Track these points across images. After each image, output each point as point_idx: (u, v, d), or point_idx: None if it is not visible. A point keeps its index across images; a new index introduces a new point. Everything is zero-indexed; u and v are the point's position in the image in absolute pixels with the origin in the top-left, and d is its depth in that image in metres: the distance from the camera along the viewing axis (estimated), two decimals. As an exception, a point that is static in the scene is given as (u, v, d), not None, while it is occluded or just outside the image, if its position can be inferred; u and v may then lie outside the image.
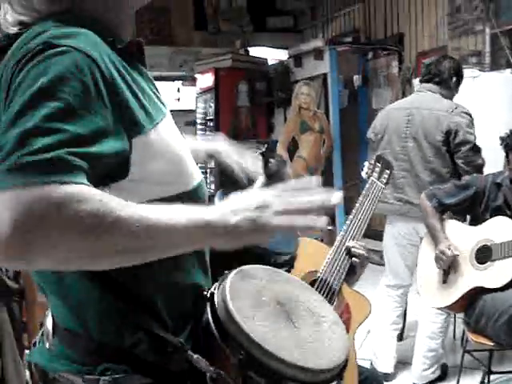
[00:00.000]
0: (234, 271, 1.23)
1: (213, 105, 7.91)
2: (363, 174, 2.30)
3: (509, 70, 4.93)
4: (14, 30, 1.14)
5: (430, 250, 3.06)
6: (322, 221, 1.07)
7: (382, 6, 6.87)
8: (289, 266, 1.55)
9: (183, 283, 1.18)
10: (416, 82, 4.99)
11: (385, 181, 2.26)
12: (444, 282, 2.96)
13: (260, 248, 1.35)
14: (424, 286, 3.08)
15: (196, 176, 1.20)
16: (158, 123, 1.11)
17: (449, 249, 2.87)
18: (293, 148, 6.08)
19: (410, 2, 6.42)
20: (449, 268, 2.93)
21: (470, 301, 2.84)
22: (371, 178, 2.24)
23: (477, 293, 2.81)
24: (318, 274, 1.93)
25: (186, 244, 1.04)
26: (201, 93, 8.28)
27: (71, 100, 0.97)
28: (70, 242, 0.92)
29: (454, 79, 3.58)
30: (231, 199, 1.08)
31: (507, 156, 2.89)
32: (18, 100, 0.97)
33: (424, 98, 3.54)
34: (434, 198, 3.04)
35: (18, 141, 0.93)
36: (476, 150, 3.33)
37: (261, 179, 1.22)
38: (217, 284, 1.21)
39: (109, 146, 1.00)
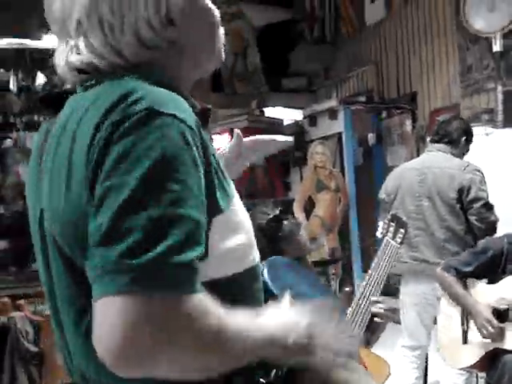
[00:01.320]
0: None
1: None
2: (378, 234, 2.31)
3: (521, 127, 4.98)
4: (75, 75, 1.05)
5: (450, 310, 3.04)
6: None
7: (395, 66, 6.99)
8: None
9: None
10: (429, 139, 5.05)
11: (399, 240, 2.25)
12: (465, 342, 2.93)
13: None
14: (445, 346, 3.05)
15: (256, 254, 1.14)
16: (233, 199, 1.06)
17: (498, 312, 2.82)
18: (309, 207, 6.12)
19: (421, 61, 6.53)
20: (468, 327, 2.90)
21: (492, 361, 2.80)
22: (386, 237, 2.25)
23: (498, 353, 2.78)
24: None
25: (255, 355, 1.00)
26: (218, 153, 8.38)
27: (188, 180, 0.90)
28: (189, 357, 0.88)
29: (464, 139, 3.63)
30: (284, 311, 1.07)
31: None
32: (127, 179, 0.87)
33: (435, 157, 3.59)
34: (452, 269, 3.01)
35: (143, 234, 0.84)
36: (489, 207, 3.35)
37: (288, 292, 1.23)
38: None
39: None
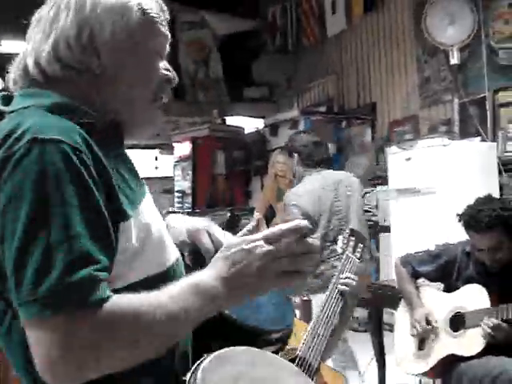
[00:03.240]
0: (209, 357, 1.16)
1: (190, 173, 7.97)
2: (338, 249, 2.30)
3: (478, 139, 5.07)
4: (21, 84, 1.16)
5: (406, 316, 3.07)
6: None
7: (355, 77, 7.08)
8: (281, 343, 1.52)
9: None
10: (388, 149, 5.12)
11: (358, 255, 2.26)
12: (420, 348, 2.96)
13: (249, 326, 1.33)
14: (401, 352, 3.08)
15: (173, 254, 1.21)
16: (138, 205, 1.12)
17: (426, 319, 2.89)
18: (270, 215, 6.12)
19: (381, 72, 6.63)
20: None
21: (447, 367, 2.84)
22: (346, 252, 2.25)
23: (453, 359, 2.81)
24: (297, 352, 1.90)
25: (199, 318, 1.05)
26: (178, 161, 8.35)
27: (73, 201, 0.97)
28: (117, 355, 0.96)
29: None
30: (224, 253, 1.08)
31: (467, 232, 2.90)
32: (17, 216, 0.95)
33: None
34: (409, 265, 3.07)
35: (40, 265, 0.93)
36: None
37: (250, 225, 1.20)
38: (190, 372, 1.15)
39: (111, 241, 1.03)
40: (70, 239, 0.94)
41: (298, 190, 3.83)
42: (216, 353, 1.19)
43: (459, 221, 2.91)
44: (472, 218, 2.81)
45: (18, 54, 1.19)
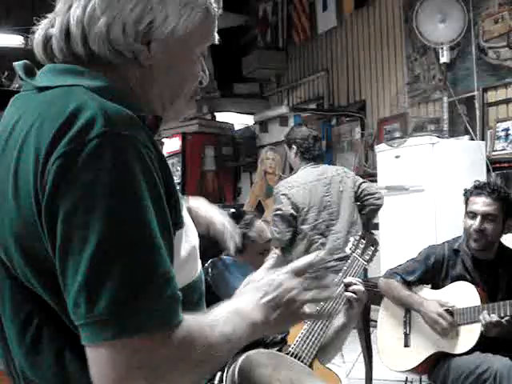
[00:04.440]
0: (241, 358, 1.23)
1: (179, 168, 7.96)
2: (347, 250, 2.31)
3: (467, 137, 5.09)
4: (40, 53, 1.03)
5: (389, 314, 3.08)
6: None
7: (345, 74, 7.08)
8: (282, 344, 1.56)
9: None
10: (377, 147, 5.13)
11: (368, 257, 2.27)
12: (406, 345, 2.97)
13: None
14: (385, 349, 3.08)
15: (199, 261, 1.16)
16: (183, 210, 1.04)
17: (445, 311, 2.83)
18: (259, 212, 6.13)
19: (371, 70, 6.63)
20: (410, 331, 2.95)
21: (434, 363, 2.85)
22: (354, 254, 2.26)
23: (440, 356, 2.82)
24: (290, 349, 1.91)
25: (244, 342, 1.04)
26: (168, 156, 8.33)
27: (154, 210, 0.88)
28: (184, 378, 0.91)
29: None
30: (255, 284, 1.10)
31: (466, 204, 2.97)
32: (91, 222, 0.83)
33: None
34: (397, 275, 3.06)
35: (120, 285, 0.84)
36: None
37: (275, 256, 1.26)
38: (225, 372, 1.22)
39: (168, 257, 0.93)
40: (153, 253, 0.87)
41: (290, 180, 3.90)
42: (244, 355, 1.25)
43: (465, 193, 2.98)
44: (480, 184, 2.95)
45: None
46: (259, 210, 6.19)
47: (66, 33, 1.01)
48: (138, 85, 1.05)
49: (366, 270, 5.92)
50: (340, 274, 2.16)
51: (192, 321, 0.92)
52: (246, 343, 1.04)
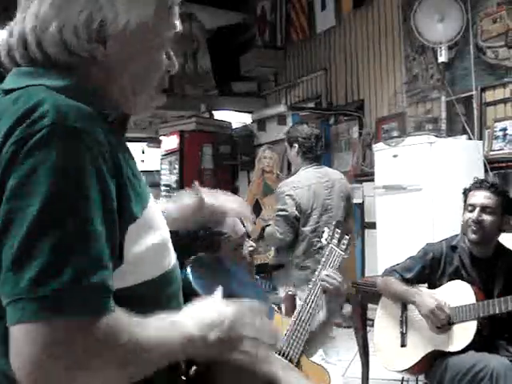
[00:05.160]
0: None
1: (177, 166, 7.95)
2: (323, 241, 2.30)
3: (464, 137, 5.10)
4: (19, 60, 1.05)
5: (385, 314, 3.08)
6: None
7: (343, 74, 7.08)
8: None
9: None
10: (375, 146, 5.13)
11: (344, 247, 2.26)
12: (402, 344, 2.97)
13: None
14: (382, 349, 3.08)
15: (173, 257, 1.17)
16: (146, 205, 1.07)
17: (443, 305, 2.82)
18: (256, 211, 6.13)
19: (369, 70, 6.63)
20: (407, 330, 2.95)
21: (430, 363, 2.85)
22: (330, 244, 2.25)
23: (436, 355, 2.82)
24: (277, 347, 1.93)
25: (176, 357, 1.04)
26: (165, 155, 8.33)
27: (91, 196, 0.90)
28: (106, 374, 0.90)
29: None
30: (203, 308, 1.10)
31: (465, 201, 2.99)
32: (30, 202, 0.87)
33: None
34: (395, 273, 3.06)
35: (49, 262, 0.85)
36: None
37: (219, 291, 1.25)
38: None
39: (113, 248, 0.96)
40: (88, 238, 0.89)
41: (294, 181, 3.85)
42: None
43: (464, 191, 3.01)
44: (480, 180, 3.01)
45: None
46: (257, 208, 6.18)
47: (23, 40, 1.05)
48: (101, 82, 1.07)
49: (363, 269, 5.93)
50: (319, 267, 2.16)
51: (123, 315, 0.93)
52: (183, 357, 1.06)
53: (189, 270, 1.53)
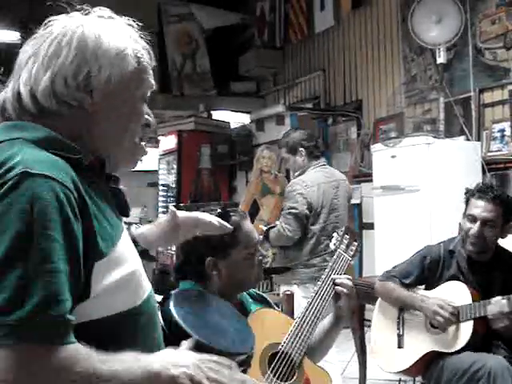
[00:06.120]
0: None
1: (175, 166, 7.95)
2: (331, 246, 2.30)
3: (462, 138, 5.11)
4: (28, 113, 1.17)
5: (382, 316, 3.08)
6: None
7: (342, 74, 7.09)
8: (246, 365, 1.56)
9: None
10: (373, 147, 5.13)
11: (352, 253, 2.26)
12: (400, 346, 2.97)
13: (214, 349, 1.37)
14: (379, 351, 3.08)
15: (147, 286, 1.25)
16: (116, 242, 1.15)
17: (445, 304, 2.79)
18: (254, 211, 6.13)
19: (368, 70, 6.64)
20: (404, 332, 2.95)
21: (428, 364, 2.85)
22: (338, 249, 2.25)
23: (433, 356, 2.82)
24: (280, 347, 1.92)
25: None
26: (163, 154, 8.33)
27: (55, 236, 1.00)
28: None
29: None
30: (171, 353, 1.18)
31: (466, 204, 2.95)
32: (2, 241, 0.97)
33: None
34: (395, 278, 3.04)
35: (12, 293, 0.95)
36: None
37: (189, 342, 1.31)
38: None
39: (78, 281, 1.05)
40: (49, 275, 0.98)
41: (305, 180, 3.87)
42: None
43: (466, 192, 2.96)
44: (483, 187, 2.92)
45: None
46: (254, 208, 6.19)
47: (18, 94, 1.18)
48: (86, 129, 1.21)
49: (361, 269, 5.93)
50: (326, 270, 2.16)
51: (82, 349, 1.00)
52: None
53: (172, 302, 1.56)
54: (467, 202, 2.94)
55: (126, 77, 1.22)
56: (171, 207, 1.78)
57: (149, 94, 1.32)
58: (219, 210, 1.94)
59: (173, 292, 1.67)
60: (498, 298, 2.68)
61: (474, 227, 2.84)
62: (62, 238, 1.01)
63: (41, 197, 1.00)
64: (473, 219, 2.86)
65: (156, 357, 1.13)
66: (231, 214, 1.95)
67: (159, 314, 1.37)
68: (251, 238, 1.98)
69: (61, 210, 1.02)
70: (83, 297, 1.07)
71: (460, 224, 2.98)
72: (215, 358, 1.21)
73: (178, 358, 1.15)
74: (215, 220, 1.76)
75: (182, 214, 1.75)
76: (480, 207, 2.85)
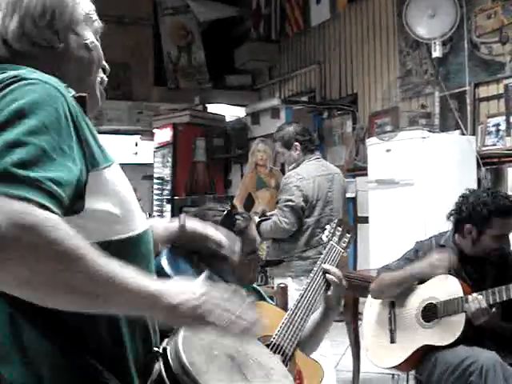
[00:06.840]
0: (182, 331, 1.23)
1: (170, 159, 7.94)
2: (324, 238, 2.30)
3: (457, 132, 5.12)
4: None
5: (376, 310, 3.08)
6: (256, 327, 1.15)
7: (337, 68, 7.09)
8: None
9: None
10: (368, 140, 5.14)
11: (344, 245, 2.27)
12: (392, 341, 2.97)
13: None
14: (372, 346, 3.09)
15: (143, 223, 1.22)
16: (111, 164, 1.15)
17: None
18: (249, 204, 6.12)
19: (363, 64, 6.64)
20: (395, 327, 2.95)
21: (420, 358, 2.85)
22: (331, 241, 2.26)
23: (426, 350, 2.83)
24: (272, 339, 1.92)
25: (129, 306, 1.04)
26: (158, 147, 8.31)
27: (47, 122, 1.03)
28: (40, 261, 0.92)
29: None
30: (180, 282, 1.11)
31: (461, 225, 2.88)
32: (22, 119, 1.01)
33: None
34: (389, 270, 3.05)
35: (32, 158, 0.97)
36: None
37: (203, 276, 1.24)
38: (168, 339, 1.22)
39: (73, 173, 1.04)
40: (34, 145, 0.99)
41: (300, 173, 3.87)
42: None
43: (456, 212, 2.90)
44: (504, 207, 2.80)
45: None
46: (249, 202, 6.18)
47: None
48: (57, 70, 1.21)
49: (356, 262, 5.94)
50: (318, 263, 2.16)
51: (63, 227, 0.95)
52: (136, 311, 1.06)
53: (164, 255, 1.55)
54: (486, 219, 2.81)
55: (80, 17, 1.28)
56: (182, 216, 1.70)
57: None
58: (225, 212, 1.93)
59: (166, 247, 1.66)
60: (475, 294, 2.69)
61: (494, 243, 2.81)
62: (50, 126, 1.04)
63: (32, 92, 1.05)
64: (496, 240, 2.83)
65: (157, 281, 1.08)
66: (237, 218, 1.95)
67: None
68: (253, 244, 1.98)
69: (52, 105, 1.05)
70: (76, 208, 1.06)
71: (473, 238, 2.87)
72: (223, 286, 1.15)
73: (187, 287, 1.09)
74: (225, 241, 1.68)
75: (192, 225, 1.68)
76: (504, 225, 2.81)
